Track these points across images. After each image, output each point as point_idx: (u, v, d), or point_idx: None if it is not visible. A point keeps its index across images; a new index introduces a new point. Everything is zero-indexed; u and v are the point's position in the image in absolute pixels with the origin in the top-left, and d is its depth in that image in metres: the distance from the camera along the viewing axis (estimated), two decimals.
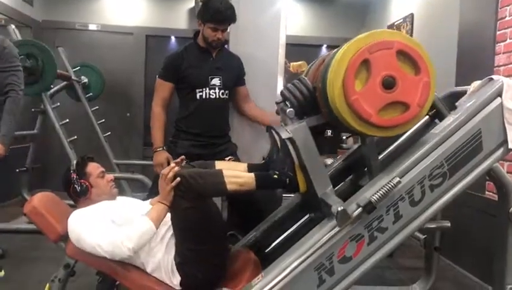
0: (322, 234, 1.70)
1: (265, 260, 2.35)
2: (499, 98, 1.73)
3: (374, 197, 1.64)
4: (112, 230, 1.78)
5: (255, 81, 2.72)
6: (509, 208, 1.84)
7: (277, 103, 1.92)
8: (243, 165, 2.17)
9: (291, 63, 4.88)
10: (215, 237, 1.91)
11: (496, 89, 1.73)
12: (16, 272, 3.05)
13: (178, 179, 1.80)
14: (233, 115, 2.74)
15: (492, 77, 1.80)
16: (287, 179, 1.88)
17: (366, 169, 2.11)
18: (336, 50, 1.74)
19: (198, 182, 1.80)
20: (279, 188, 1.97)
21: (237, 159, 2.62)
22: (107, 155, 4.87)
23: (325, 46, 6.10)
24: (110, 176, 2.05)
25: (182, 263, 1.85)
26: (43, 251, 3.31)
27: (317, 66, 1.99)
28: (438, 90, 2.99)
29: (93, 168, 2.02)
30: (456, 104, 1.87)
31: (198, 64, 2.52)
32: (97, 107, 4.93)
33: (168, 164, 2.46)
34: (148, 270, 1.87)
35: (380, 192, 1.65)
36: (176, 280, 1.86)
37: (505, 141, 1.74)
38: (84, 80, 4.91)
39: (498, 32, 2.79)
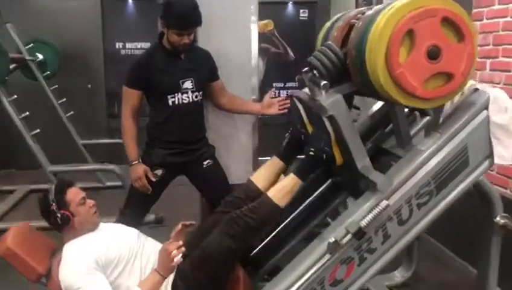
0: (313, 260, 1.70)
1: (251, 264, 2.37)
2: (485, 111, 1.70)
3: (363, 223, 1.63)
4: None
5: (228, 72, 2.58)
6: (494, 218, 1.86)
7: (304, 72, 1.82)
8: (274, 160, 2.12)
9: (258, 22, 4.71)
10: (227, 274, 1.92)
11: (482, 102, 1.70)
12: None
13: (181, 258, 1.79)
14: (208, 112, 2.62)
15: (478, 87, 1.75)
16: (324, 155, 1.82)
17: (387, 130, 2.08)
18: (370, 14, 1.61)
19: (254, 219, 1.82)
20: (318, 166, 1.91)
21: (216, 163, 2.54)
22: (72, 136, 4.69)
23: (291, 3, 5.89)
24: (91, 202, 1.94)
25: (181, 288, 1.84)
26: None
27: (341, 30, 1.84)
28: None
29: (74, 195, 1.89)
30: (441, 119, 1.83)
31: (166, 69, 2.35)
32: (56, 86, 4.67)
33: (147, 177, 2.39)
34: None
35: (369, 217, 1.63)
36: None
37: (491, 154, 1.73)
38: (39, 57, 4.60)
39: (474, 11, 2.72)
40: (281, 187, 1.89)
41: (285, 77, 6.04)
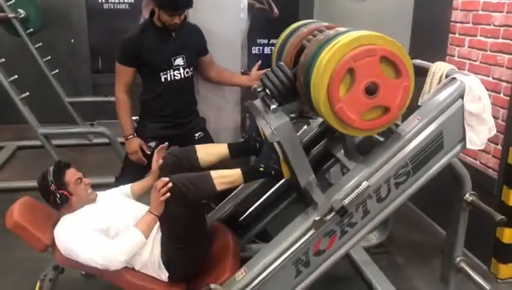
0: (299, 234, 1.86)
1: (240, 228, 2.56)
2: (460, 100, 1.83)
3: (346, 201, 1.78)
4: (103, 244, 1.87)
5: (217, 46, 2.66)
6: (464, 195, 2.05)
7: (258, 91, 1.96)
8: (223, 146, 2.24)
9: None
10: (199, 237, 2.06)
11: (458, 91, 1.83)
12: None
13: (168, 194, 1.88)
14: (198, 84, 2.70)
15: (455, 76, 1.87)
16: (272, 171, 1.98)
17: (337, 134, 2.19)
18: (319, 41, 1.73)
19: (189, 189, 1.89)
20: (266, 177, 2.08)
21: (207, 134, 2.66)
22: (58, 94, 4.71)
23: None
24: (86, 180, 2.07)
25: (168, 260, 1.99)
26: None
27: (294, 48, 1.99)
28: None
29: (71, 175, 2.02)
30: (420, 102, 1.96)
31: (158, 47, 2.41)
32: (40, 44, 4.62)
33: (142, 150, 2.50)
34: (136, 268, 1.99)
35: (351, 196, 1.78)
36: (164, 275, 2.00)
37: (463, 138, 1.88)
38: (22, 14, 4.50)
39: None
40: (225, 175, 2.00)
41: (270, 33, 6.04)
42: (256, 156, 2.14)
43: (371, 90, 1.63)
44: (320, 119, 2.38)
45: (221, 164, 2.20)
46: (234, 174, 1.99)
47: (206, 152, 2.20)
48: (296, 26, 2.17)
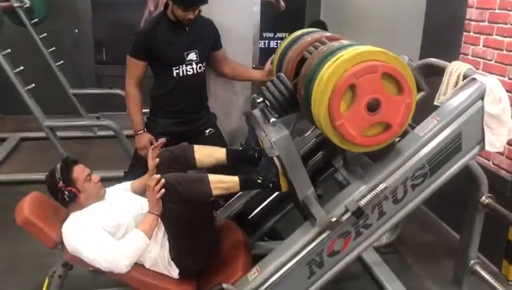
0: (313, 235, 1.83)
1: (248, 226, 2.54)
2: (480, 101, 1.80)
3: (362, 203, 1.76)
4: (109, 246, 1.85)
5: (229, 40, 2.62)
6: (480, 197, 2.02)
7: (258, 103, 1.93)
8: (222, 151, 2.21)
9: None
10: (204, 232, 2.04)
11: (478, 92, 1.80)
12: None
13: (163, 190, 1.86)
14: (209, 79, 2.67)
15: (476, 77, 1.84)
16: (270, 184, 1.96)
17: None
18: (321, 54, 1.71)
19: (184, 189, 1.87)
20: (263, 189, 2.04)
21: (217, 131, 2.63)
22: (62, 86, 4.66)
23: None
24: (96, 177, 2.04)
25: (177, 257, 1.98)
26: None
27: (295, 58, 1.97)
28: (406, 41, 3.02)
29: (79, 172, 1.99)
30: (436, 103, 1.93)
31: (172, 41, 2.38)
32: (45, 34, 4.57)
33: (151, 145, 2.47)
34: (147, 266, 1.97)
35: (368, 197, 1.76)
36: (174, 272, 1.99)
37: (482, 140, 1.85)
38: (27, 3, 4.44)
39: None
40: (223, 180, 1.97)
41: (276, 26, 5.99)
42: (255, 166, 2.11)
43: (373, 107, 1.61)
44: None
45: (216, 168, 2.18)
46: (232, 181, 1.97)
47: (204, 154, 2.18)
48: (298, 34, 2.14)
